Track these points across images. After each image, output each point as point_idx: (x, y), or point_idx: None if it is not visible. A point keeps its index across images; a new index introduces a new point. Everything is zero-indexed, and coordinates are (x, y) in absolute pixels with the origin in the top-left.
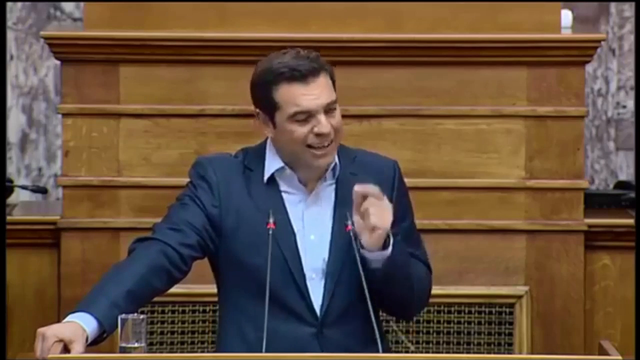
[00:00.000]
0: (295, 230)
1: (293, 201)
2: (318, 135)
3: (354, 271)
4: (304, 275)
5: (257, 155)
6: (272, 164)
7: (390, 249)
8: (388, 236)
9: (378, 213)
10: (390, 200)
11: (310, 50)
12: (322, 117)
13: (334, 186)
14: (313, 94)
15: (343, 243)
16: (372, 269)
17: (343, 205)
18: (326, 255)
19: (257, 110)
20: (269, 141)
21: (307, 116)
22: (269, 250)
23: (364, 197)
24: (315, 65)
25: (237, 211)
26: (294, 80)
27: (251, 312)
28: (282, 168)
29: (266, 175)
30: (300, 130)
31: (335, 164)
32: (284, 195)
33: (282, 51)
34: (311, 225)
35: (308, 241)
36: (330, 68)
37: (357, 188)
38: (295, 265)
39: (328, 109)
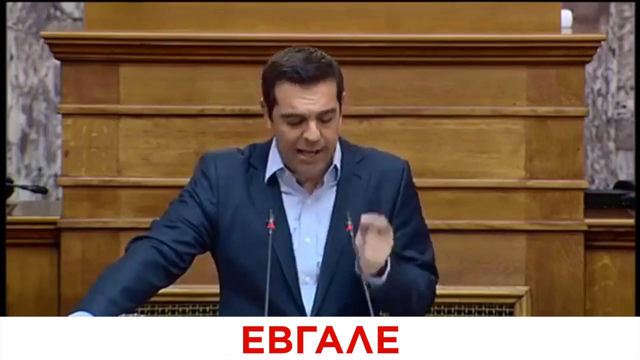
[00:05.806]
0: (292, 231)
1: (292, 202)
2: (306, 140)
3: (347, 276)
4: (297, 279)
5: (262, 153)
6: (274, 164)
7: (384, 277)
8: (386, 263)
9: (375, 248)
10: (393, 206)
11: (324, 53)
12: (312, 124)
13: (335, 189)
14: (309, 98)
15: (338, 247)
16: (368, 285)
17: (342, 209)
18: (320, 259)
19: (262, 100)
20: (274, 139)
21: (299, 120)
22: (269, 251)
23: (367, 227)
24: (318, 73)
25: (235, 210)
26: (294, 81)
27: (242, 312)
28: (281, 169)
29: (267, 175)
30: (291, 133)
31: (336, 167)
32: (284, 197)
33: (297, 47)
34: (307, 228)
35: (303, 244)
36: (339, 76)
37: (364, 219)
38: (289, 268)
39: (322, 117)
